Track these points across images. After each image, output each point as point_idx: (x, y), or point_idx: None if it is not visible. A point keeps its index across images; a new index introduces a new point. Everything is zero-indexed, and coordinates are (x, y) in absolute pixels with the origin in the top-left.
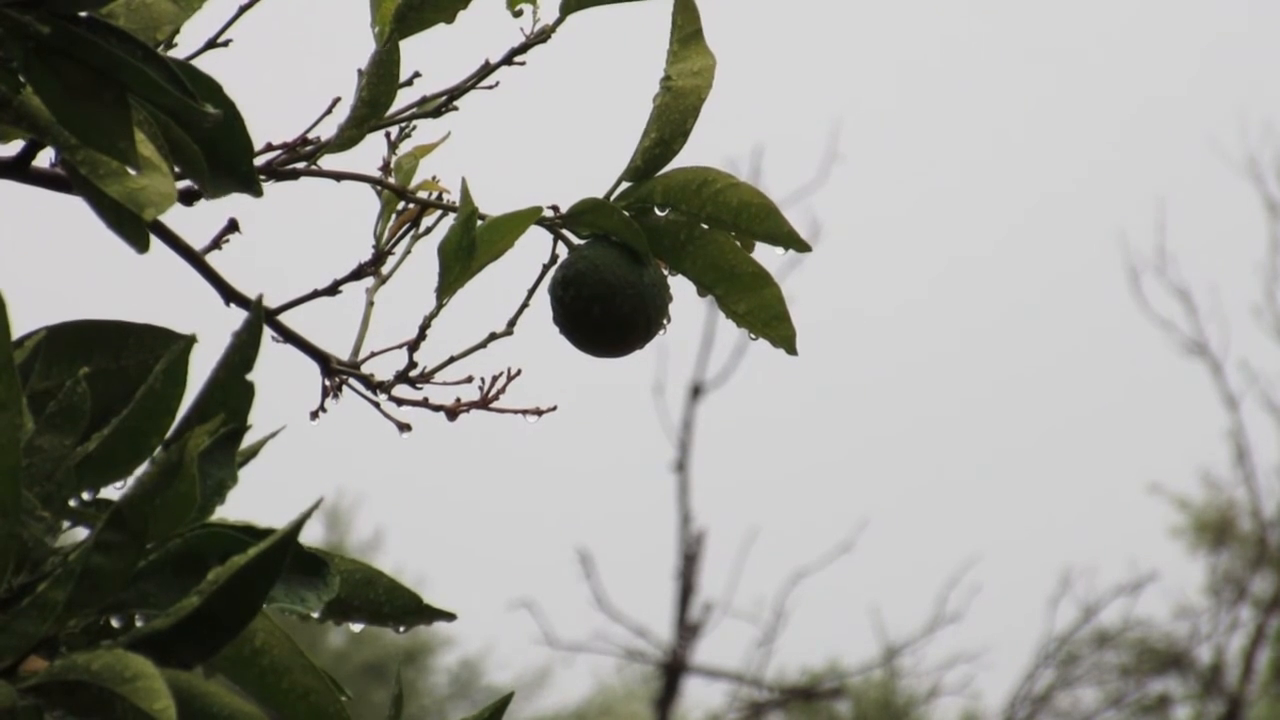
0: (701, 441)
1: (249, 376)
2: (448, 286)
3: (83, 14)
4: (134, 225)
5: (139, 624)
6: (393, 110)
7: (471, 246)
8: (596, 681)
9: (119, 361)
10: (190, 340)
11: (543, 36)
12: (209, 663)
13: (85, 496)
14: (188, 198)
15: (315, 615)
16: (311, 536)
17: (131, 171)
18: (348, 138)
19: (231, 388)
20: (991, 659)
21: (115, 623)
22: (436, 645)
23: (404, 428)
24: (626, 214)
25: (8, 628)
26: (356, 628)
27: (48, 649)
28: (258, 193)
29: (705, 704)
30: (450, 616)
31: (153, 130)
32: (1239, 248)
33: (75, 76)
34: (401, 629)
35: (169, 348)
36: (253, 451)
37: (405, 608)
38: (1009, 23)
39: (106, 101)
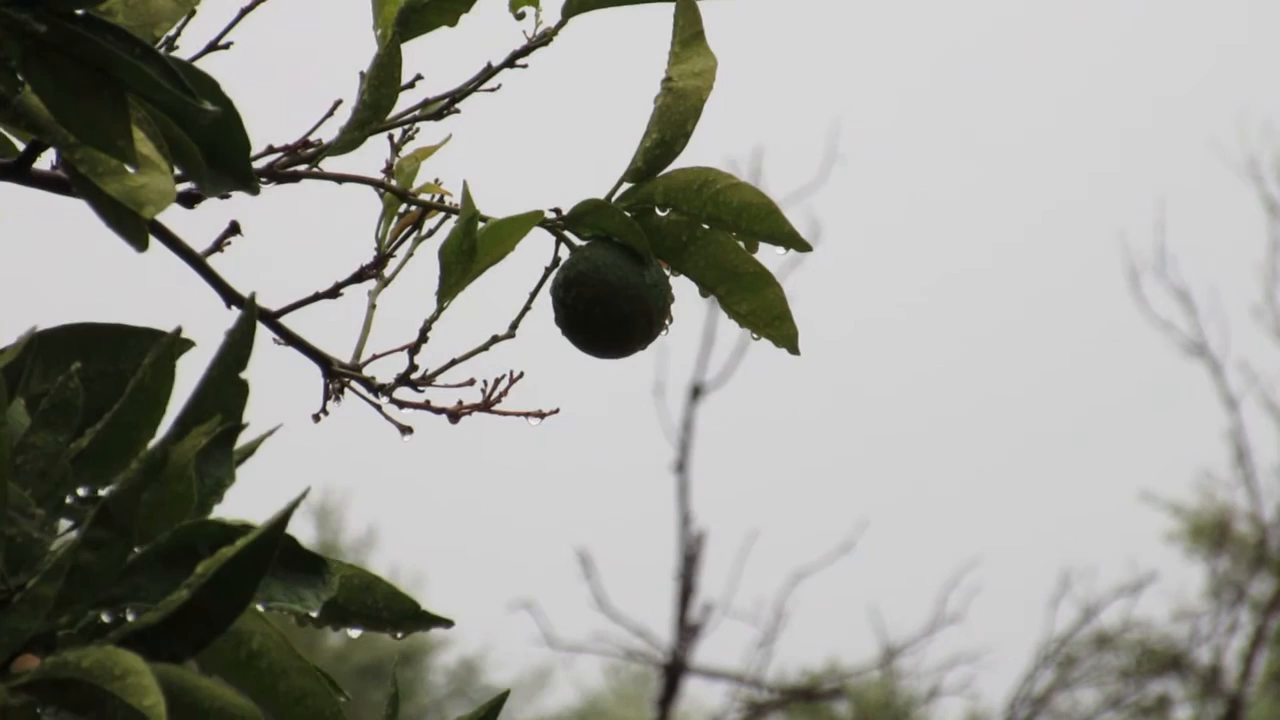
0: (702, 442)
1: (243, 375)
2: (449, 289)
3: (80, 11)
4: (133, 223)
5: (130, 619)
6: (395, 113)
7: (473, 249)
8: (582, 692)
9: (117, 364)
10: (176, 334)
11: (545, 39)
12: (205, 664)
13: (81, 493)
14: (189, 200)
15: (314, 614)
16: (301, 535)
17: (130, 170)
18: (349, 140)
19: (226, 387)
20: (991, 660)
21: (106, 618)
22: (435, 645)
23: (405, 430)
24: (628, 215)
25: (0, 624)
26: (355, 633)
27: (44, 646)
28: (255, 190)
29: (705, 705)
30: (447, 623)
31: (152, 129)
32: (1239, 248)
33: (73, 74)
34: (400, 635)
35: None
36: (250, 450)
37: (403, 613)
38: (1011, 27)
39: (104, 99)
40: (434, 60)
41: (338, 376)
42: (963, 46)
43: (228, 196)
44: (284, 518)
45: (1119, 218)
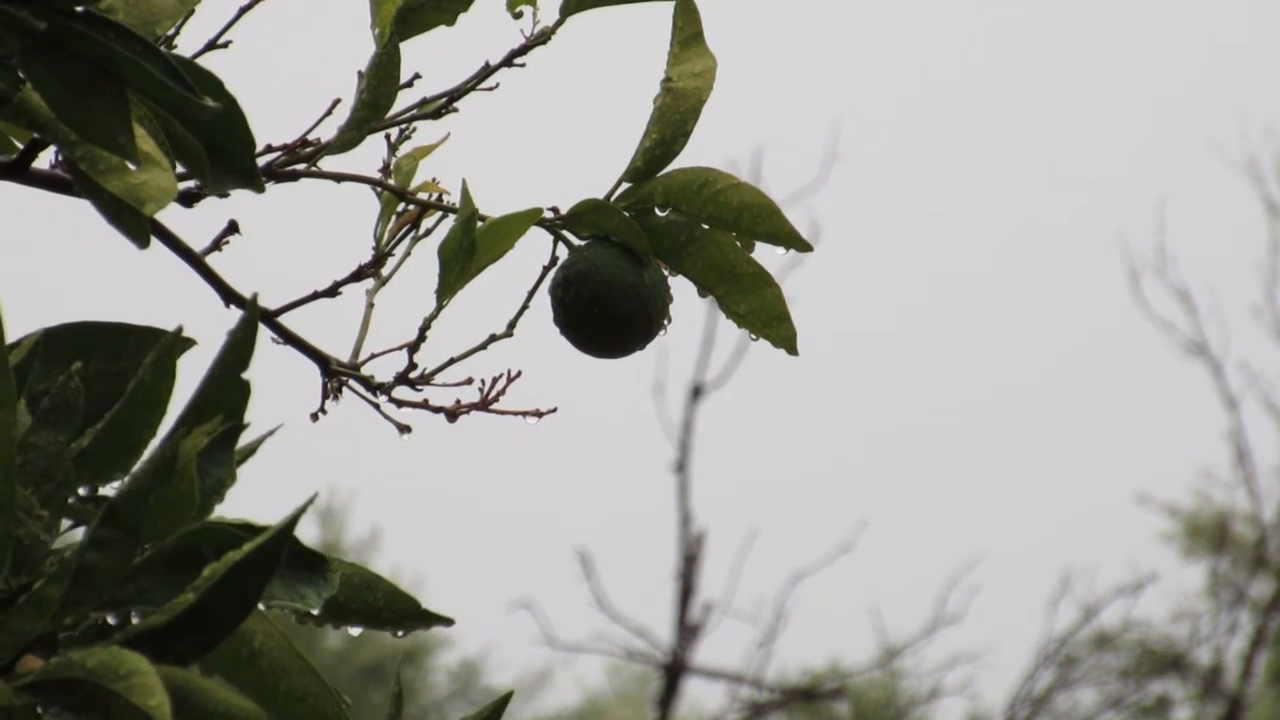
0: (702, 442)
1: (245, 375)
2: (448, 288)
3: (80, 8)
4: (134, 221)
5: (135, 621)
6: (393, 112)
7: (471, 248)
8: (583, 692)
9: (118, 363)
10: (177, 333)
11: (543, 38)
12: (207, 663)
13: (82, 492)
14: (187, 199)
15: (315, 612)
16: (306, 536)
17: (131, 166)
18: (348, 139)
19: (228, 386)
20: (991, 660)
21: (111, 620)
22: (436, 646)
23: (404, 429)
24: (627, 215)
25: (4, 626)
26: (355, 631)
27: (45, 647)
28: (260, 188)
29: (705, 705)
30: (448, 621)
31: (153, 126)
32: (1239, 248)
33: (73, 72)
34: (400, 633)
35: None
36: (251, 450)
37: (403, 612)
38: (1012, 27)
39: (105, 96)
40: (432, 59)
41: (336, 375)
42: (961, 47)
43: (226, 195)
44: (291, 522)
45: (1119, 218)
